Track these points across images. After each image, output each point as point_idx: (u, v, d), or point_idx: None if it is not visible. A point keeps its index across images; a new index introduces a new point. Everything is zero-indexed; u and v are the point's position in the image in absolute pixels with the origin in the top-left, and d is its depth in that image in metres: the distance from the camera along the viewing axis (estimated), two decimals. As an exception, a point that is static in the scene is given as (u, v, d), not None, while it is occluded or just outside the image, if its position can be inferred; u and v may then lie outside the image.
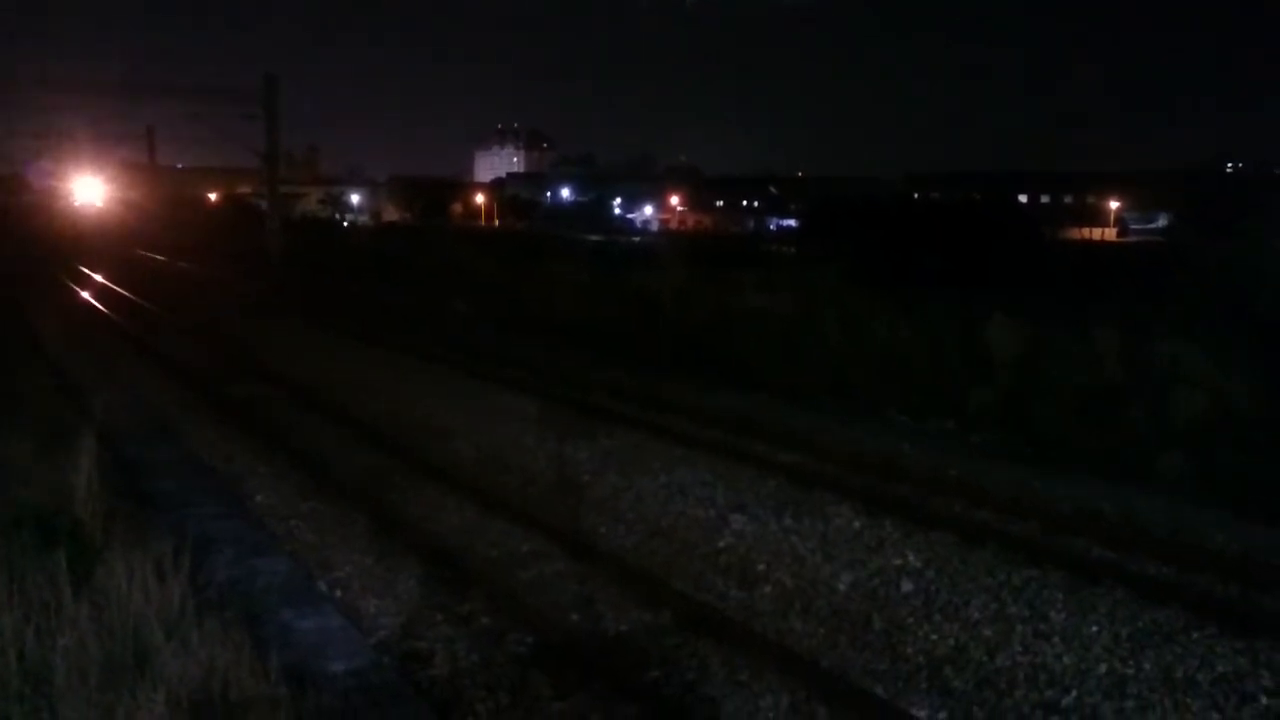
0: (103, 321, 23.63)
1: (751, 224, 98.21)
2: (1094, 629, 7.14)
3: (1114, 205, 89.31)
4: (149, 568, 5.72)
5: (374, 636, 6.89)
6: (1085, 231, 74.15)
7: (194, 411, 13.70)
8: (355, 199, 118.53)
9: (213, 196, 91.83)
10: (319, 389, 15.22)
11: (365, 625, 7.07)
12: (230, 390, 15.07)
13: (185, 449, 11.41)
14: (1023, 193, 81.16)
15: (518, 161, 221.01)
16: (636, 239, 71.57)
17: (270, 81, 41.34)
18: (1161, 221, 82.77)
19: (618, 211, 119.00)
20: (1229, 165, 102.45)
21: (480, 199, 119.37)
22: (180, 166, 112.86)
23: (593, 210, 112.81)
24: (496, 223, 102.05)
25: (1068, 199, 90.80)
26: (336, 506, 9.69)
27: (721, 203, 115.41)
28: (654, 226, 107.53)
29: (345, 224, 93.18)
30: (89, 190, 74.67)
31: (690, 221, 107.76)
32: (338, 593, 7.65)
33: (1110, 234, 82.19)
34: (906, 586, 7.93)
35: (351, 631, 6.49)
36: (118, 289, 30.42)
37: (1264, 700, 6.22)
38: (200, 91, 42.63)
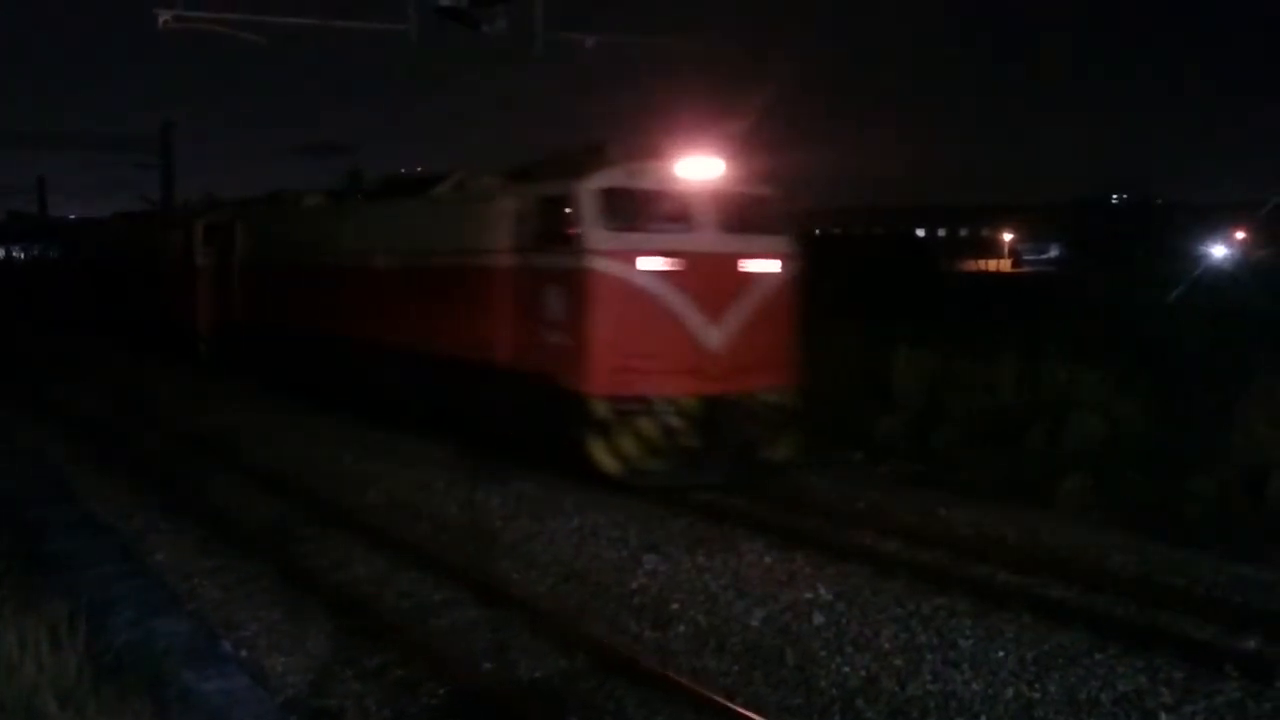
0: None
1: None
2: (1001, 654, 7.28)
3: (1008, 237, 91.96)
4: (43, 634, 5.52)
5: (281, 695, 6.71)
6: (982, 263, 76.15)
7: (88, 467, 13.27)
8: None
9: None
10: (219, 438, 14.87)
11: (272, 684, 6.87)
12: (129, 443, 14.65)
13: (82, 508, 11.03)
14: (921, 226, 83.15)
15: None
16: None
17: (166, 128, 40.62)
18: (1054, 252, 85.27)
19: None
20: (1114, 196, 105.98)
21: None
22: (72, 217, 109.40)
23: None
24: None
25: (964, 232, 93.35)
26: (242, 560, 9.45)
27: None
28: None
29: None
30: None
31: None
32: (243, 651, 7.44)
33: (1005, 265, 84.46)
34: (818, 619, 8.00)
35: (257, 691, 6.32)
36: None
37: (1164, 717, 6.39)
38: (93, 140, 41.74)
